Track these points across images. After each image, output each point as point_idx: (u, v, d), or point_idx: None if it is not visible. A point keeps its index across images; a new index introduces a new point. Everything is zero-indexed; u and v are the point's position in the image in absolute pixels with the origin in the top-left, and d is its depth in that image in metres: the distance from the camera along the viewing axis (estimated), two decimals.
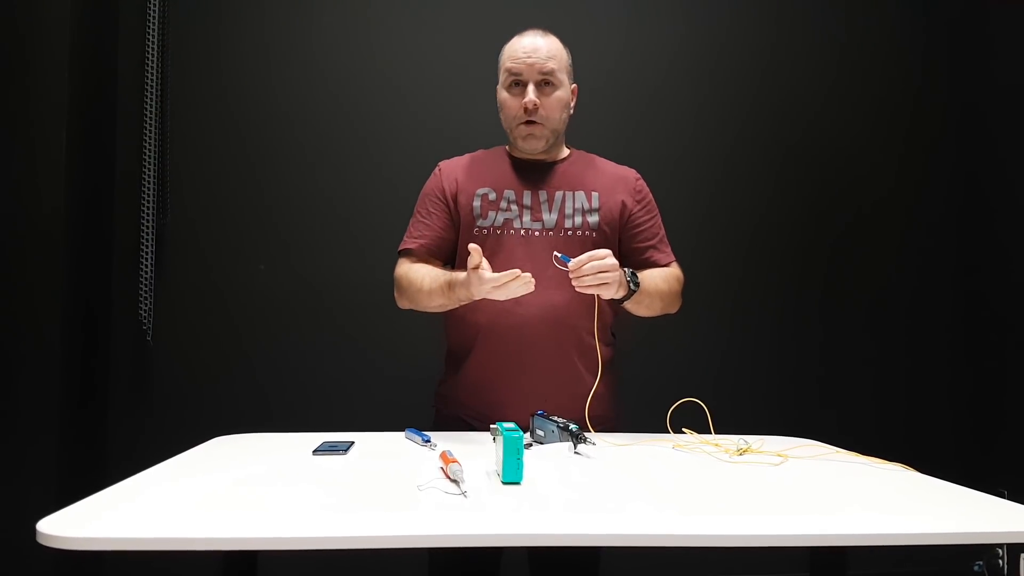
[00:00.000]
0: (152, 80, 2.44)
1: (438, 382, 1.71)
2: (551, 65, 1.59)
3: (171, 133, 2.50)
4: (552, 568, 1.58)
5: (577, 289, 1.42)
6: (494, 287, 1.38)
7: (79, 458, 2.27)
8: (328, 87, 2.58)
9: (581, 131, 2.30)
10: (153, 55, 2.44)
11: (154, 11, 2.44)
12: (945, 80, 2.83)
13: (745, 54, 2.75)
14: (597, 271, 1.39)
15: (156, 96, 2.44)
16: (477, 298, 1.44)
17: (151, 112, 2.43)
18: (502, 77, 1.63)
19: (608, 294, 1.45)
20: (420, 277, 1.58)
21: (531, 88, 1.58)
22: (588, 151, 1.81)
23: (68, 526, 0.84)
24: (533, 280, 1.38)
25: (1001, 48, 2.69)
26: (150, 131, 2.42)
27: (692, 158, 2.71)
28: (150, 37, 2.44)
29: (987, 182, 2.74)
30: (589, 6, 2.69)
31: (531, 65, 1.58)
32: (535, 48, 1.59)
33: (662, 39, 2.72)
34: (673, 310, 1.69)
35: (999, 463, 2.60)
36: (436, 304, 1.56)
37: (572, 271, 1.40)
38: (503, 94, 1.63)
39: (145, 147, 2.42)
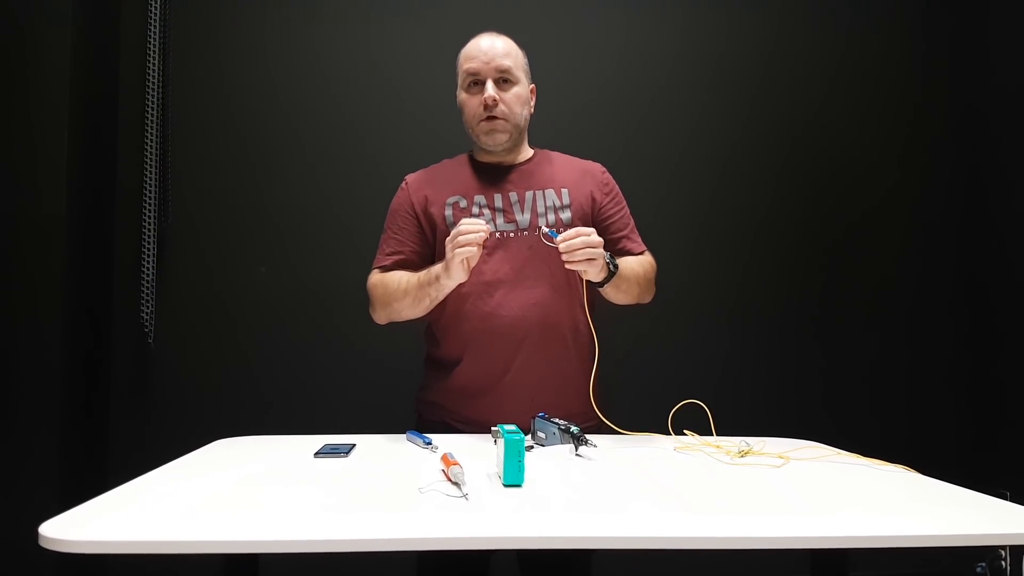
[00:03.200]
0: (153, 83, 2.44)
1: (420, 387, 1.70)
2: (507, 63, 1.61)
3: (172, 136, 2.50)
4: (543, 569, 1.59)
5: (567, 266, 1.44)
6: (450, 239, 1.42)
7: (81, 461, 2.27)
8: (329, 90, 2.59)
9: (580, 133, 2.30)
10: (154, 58, 2.44)
11: (155, 15, 2.45)
12: (945, 82, 2.82)
13: (745, 57, 2.75)
14: (585, 245, 1.42)
15: (157, 99, 2.45)
16: (452, 264, 1.44)
17: (152, 115, 2.43)
18: (460, 79, 1.66)
19: (594, 271, 1.47)
20: (396, 280, 1.60)
21: (490, 84, 1.60)
22: (587, 154, 1.81)
23: (70, 529, 0.84)
24: (481, 224, 1.43)
25: (1001, 49, 2.69)
26: (151, 134, 2.43)
27: (692, 160, 2.71)
28: (151, 41, 2.44)
29: (988, 183, 2.73)
30: (588, 10, 2.68)
31: (487, 63, 1.61)
32: (491, 47, 1.62)
33: (662, 43, 2.72)
34: (648, 298, 1.70)
35: (1001, 464, 2.60)
36: (417, 303, 1.55)
37: (561, 246, 1.42)
38: (462, 95, 1.66)
39: (146, 150, 2.42)
